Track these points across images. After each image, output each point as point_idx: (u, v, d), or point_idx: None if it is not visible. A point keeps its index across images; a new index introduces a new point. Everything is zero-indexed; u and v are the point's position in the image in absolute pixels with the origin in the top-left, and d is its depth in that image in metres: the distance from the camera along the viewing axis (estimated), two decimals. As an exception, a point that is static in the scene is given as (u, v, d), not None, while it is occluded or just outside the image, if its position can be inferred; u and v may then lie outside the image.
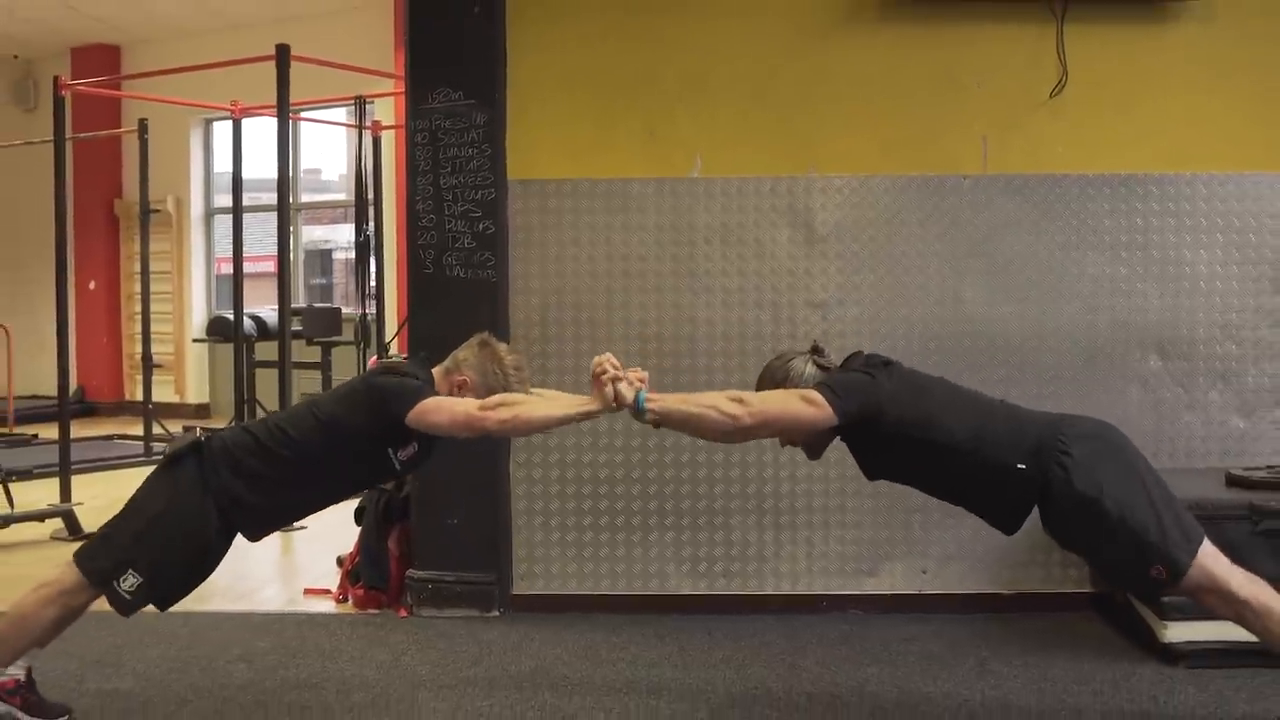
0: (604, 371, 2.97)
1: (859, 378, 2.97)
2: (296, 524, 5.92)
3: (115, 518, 3.11)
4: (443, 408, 3.00)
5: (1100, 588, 4.20)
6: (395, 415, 2.99)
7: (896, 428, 2.91)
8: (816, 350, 3.10)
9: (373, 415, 3.04)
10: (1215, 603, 2.88)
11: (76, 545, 5.52)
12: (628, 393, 2.94)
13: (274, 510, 3.18)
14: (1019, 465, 2.85)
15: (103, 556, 3.04)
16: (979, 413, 2.98)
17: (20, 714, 3.08)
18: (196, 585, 3.18)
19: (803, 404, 2.87)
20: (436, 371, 3.18)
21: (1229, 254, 4.29)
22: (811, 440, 3.11)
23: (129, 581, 2.99)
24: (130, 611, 3.06)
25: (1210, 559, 2.84)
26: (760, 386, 3.08)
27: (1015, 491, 2.89)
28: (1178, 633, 3.62)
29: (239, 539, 3.18)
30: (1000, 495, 2.92)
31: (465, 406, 3.00)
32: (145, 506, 3.08)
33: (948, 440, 2.88)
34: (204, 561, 3.13)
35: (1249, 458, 4.22)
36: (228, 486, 3.05)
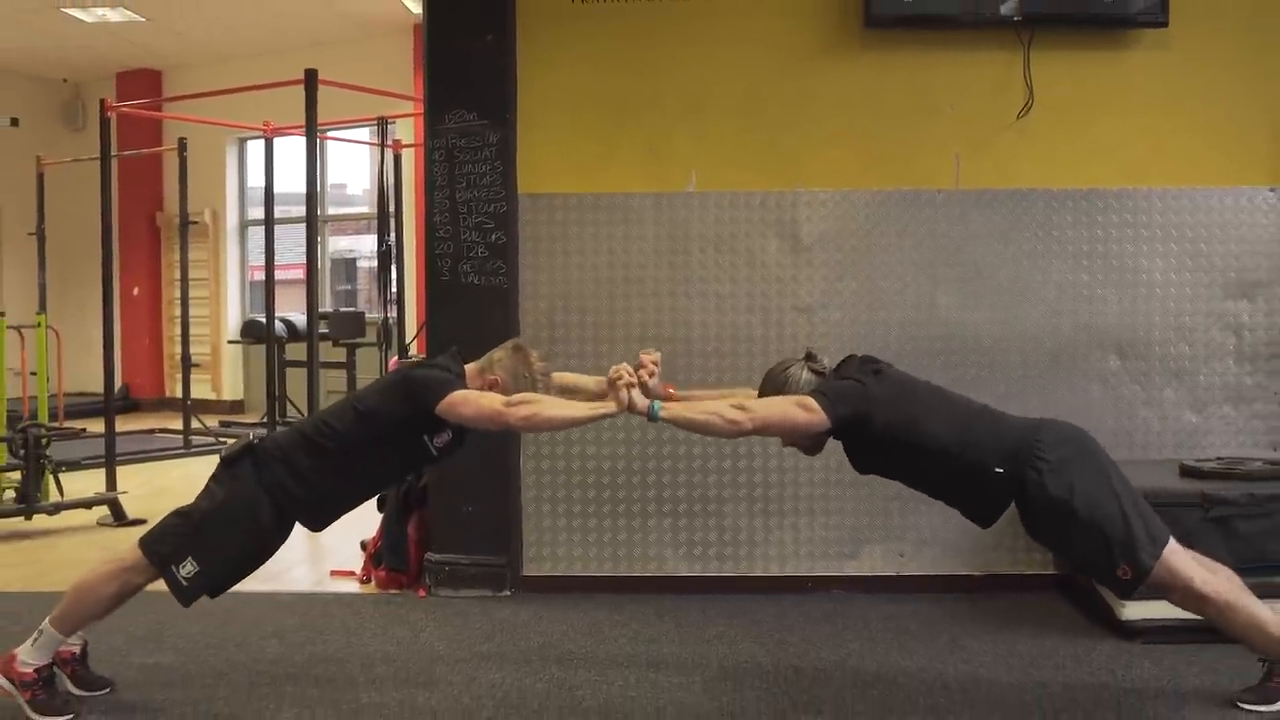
0: (620, 378, 2.99)
1: (851, 385, 2.97)
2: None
3: (179, 510, 3.11)
4: (470, 401, 3.00)
5: (1063, 570, 4.20)
6: (427, 404, 3.00)
7: (884, 430, 2.91)
8: (811, 357, 3.11)
9: (408, 404, 3.05)
10: (1179, 599, 2.88)
11: (121, 530, 5.58)
12: (641, 401, 2.97)
13: (325, 499, 3.16)
14: (997, 469, 2.86)
15: (165, 544, 3.04)
16: (962, 417, 2.98)
17: (68, 682, 3.10)
18: (248, 574, 3.17)
19: (799, 410, 2.89)
20: (471, 368, 3.19)
21: (1182, 262, 4.29)
22: (809, 441, 3.11)
23: (187, 569, 3.00)
24: (188, 600, 3.06)
25: (1175, 557, 2.83)
26: (762, 391, 3.09)
27: (993, 491, 2.89)
28: (1134, 611, 3.62)
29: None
30: (979, 494, 2.92)
31: (491, 401, 3.00)
32: (205, 502, 3.08)
33: (931, 443, 2.89)
34: (258, 553, 3.13)
35: (1201, 450, 4.23)
36: (280, 481, 3.05)
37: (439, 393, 3.00)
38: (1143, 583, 2.81)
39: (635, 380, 2.99)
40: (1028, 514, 2.91)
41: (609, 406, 3.02)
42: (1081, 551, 2.87)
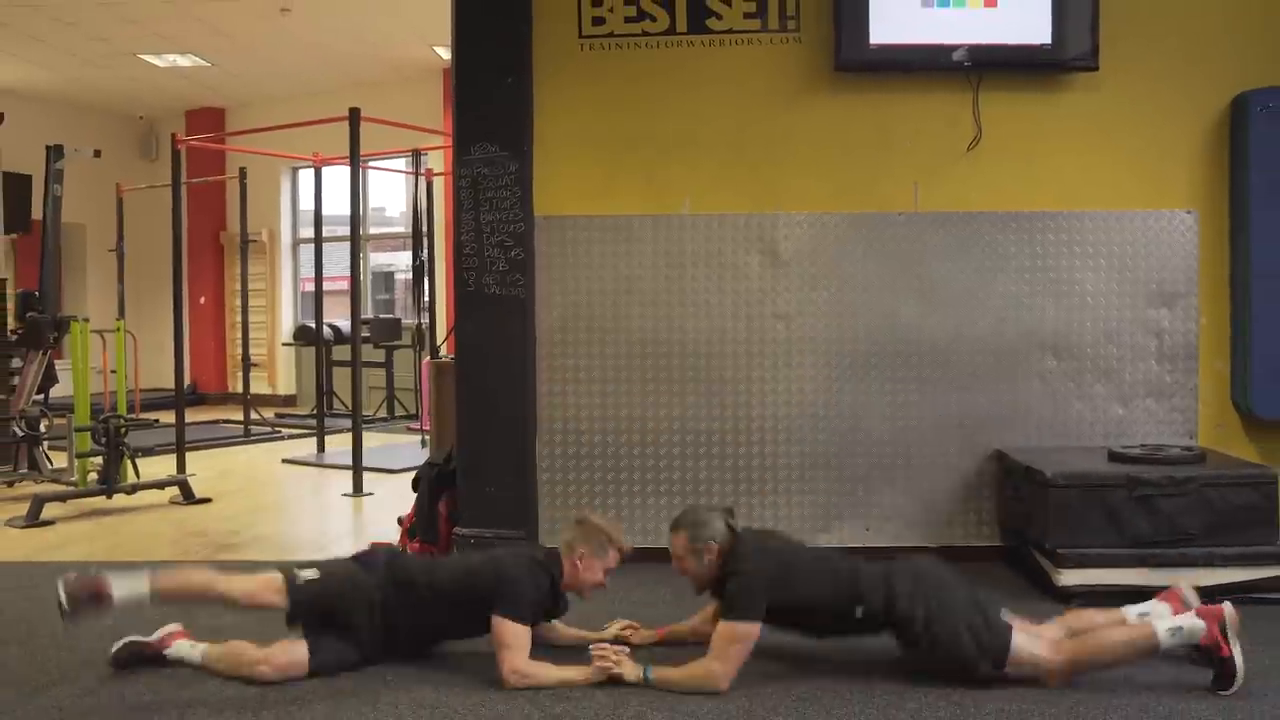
0: (604, 663, 2.89)
1: (756, 582, 2.88)
2: (365, 492, 5.96)
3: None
4: (505, 641, 2.89)
5: (1008, 542, 4.21)
6: (491, 605, 2.91)
7: (774, 604, 2.87)
8: (729, 513, 3.06)
9: (488, 590, 2.96)
10: (1043, 675, 2.80)
11: (190, 507, 5.59)
12: (631, 673, 2.88)
13: (412, 632, 3.08)
14: (858, 609, 2.88)
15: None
16: (829, 576, 2.95)
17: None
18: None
19: (748, 643, 2.83)
20: (564, 559, 3.06)
21: (1111, 275, 4.29)
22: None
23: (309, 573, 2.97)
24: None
25: (1024, 643, 2.79)
26: (679, 525, 3.03)
27: (865, 625, 2.90)
28: (1069, 578, 3.63)
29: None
30: (855, 628, 2.92)
31: (512, 659, 2.86)
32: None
33: (809, 603, 2.90)
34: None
35: (1127, 438, 4.23)
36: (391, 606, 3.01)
37: (499, 608, 2.90)
38: (1000, 673, 2.79)
39: (618, 661, 2.89)
40: (895, 635, 2.92)
41: (595, 677, 2.89)
42: (941, 661, 2.84)
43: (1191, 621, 2.72)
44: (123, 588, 2.79)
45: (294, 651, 2.91)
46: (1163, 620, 2.78)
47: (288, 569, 3.00)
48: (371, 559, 3.15)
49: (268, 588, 2.95)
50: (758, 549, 2.98)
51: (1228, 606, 2.75)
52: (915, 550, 4.26)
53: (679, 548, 3.01)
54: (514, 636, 2.90)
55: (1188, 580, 3.54)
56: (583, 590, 3.07)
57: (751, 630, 2.83)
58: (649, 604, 3.72)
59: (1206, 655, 2.74)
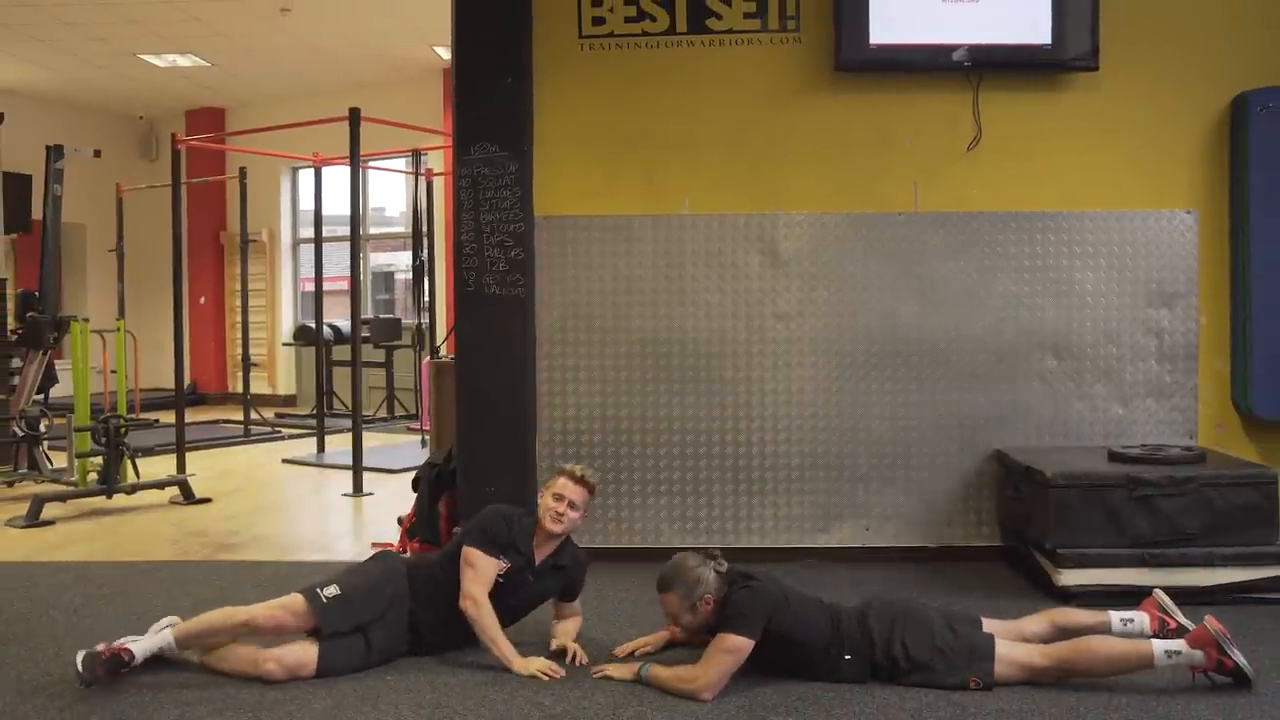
0: (545, 675, 2.91)
1: (761, 598, 2.87)
2: (365, 492, 5.96)
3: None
4: (467, 560, 3.03)
5: (1008, 542, 4.21)
6: (462, 540, 3.09)
7: (772, 625, 2.86)
8: (715, 558, 3.02)
9: (463, 537, 3.13)
10: (1034, 677, 2.82)
11: (190, 508, 5.59)
12: (623, 673, 2.93)
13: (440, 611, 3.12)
14: (847, 656, 2.89)
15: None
16: (819, 617, 2.94)
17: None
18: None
19: (738, 652, 2.80)
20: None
21: (1110, 275, 4.29)
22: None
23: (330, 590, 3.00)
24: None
25: (1007, 652, 2.83)
26: (670, 586, 2.97)
27: (850, 672, 2.89)
28: (1069, 578, 3.62)
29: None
30: (839, 673, 2.90)
31: (473, 585, 3.00)
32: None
33: (803, 638, 2.90)
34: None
35: (1126, 438, 4.23)
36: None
37: (468, 541, 3.07)
38: (992, 688, 2.79)
39: (554, 675, 2.91)
40: (878, 675, 2.91)
41: (515, 664, 2.93)
42: (932, 685, 2.84)
43: (1189, 651, 2.76)
44: (144, 646, 2.83)
45: (304, 652, 2.92)
46: (1160, 642, 2.80)
47: (307, 590, 2.99)
48: (388, 555, 3.27)
49: (290, 610, 2.94)
50: (763, 575, 2.97)
51: (1211, 621, 2.77)
52: (911, 549, 4.28)
53: (673, 606, 2.95)
54: (476, 558, 3.02)
55: (1188, 580, 3.56)
56: (546, 524, 3.10)
57: (745, 644, 2.81)
58: (650, 603, 3.70)
59: (1217, 672, 2.77)
